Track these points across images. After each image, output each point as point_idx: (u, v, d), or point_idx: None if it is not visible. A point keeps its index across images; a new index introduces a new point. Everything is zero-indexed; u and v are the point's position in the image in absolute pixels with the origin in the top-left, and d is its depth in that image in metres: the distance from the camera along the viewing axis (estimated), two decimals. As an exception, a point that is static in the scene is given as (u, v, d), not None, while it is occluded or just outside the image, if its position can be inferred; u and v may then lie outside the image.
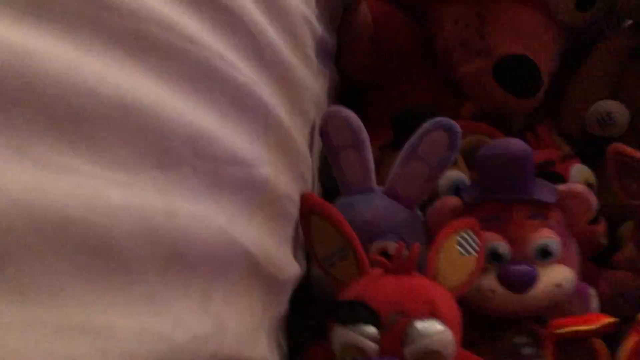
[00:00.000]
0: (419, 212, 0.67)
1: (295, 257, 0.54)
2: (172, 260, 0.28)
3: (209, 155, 0.33)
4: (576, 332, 0.42)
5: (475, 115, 0.85)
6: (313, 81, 0.60)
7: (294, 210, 0.52)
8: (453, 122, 0.63)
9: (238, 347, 0.34)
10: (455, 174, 0.72)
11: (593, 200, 0.65)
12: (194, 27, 0.33)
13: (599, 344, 0.43)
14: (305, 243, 0.58)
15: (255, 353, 0.37)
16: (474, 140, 0.76)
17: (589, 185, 0.78)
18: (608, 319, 0.43)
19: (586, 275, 0.73)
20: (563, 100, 0.87)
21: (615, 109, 0.82)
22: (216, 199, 0.33)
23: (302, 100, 0.54)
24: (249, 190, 0.38)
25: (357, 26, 0.87)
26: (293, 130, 0.50)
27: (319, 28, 0.63)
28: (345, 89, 0.92)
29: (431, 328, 0.50)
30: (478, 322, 0.63)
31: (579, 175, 0.78)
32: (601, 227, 0.74)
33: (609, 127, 0.82)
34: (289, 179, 0.49)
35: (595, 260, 0.79)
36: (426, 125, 0.63)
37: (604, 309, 0.70)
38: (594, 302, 0.68)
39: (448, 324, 0.52)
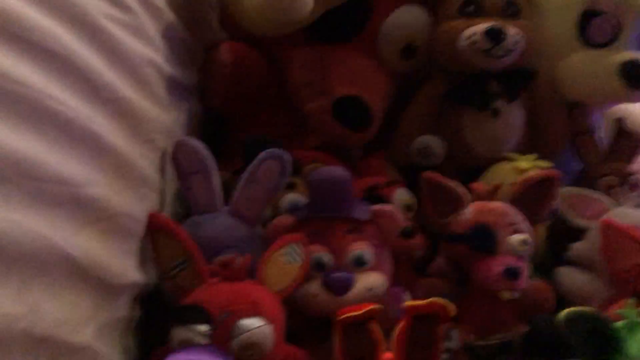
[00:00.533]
0: (260, 229, 0.78)
1: (139, 267, 0.63)
2: None
3: (32, 176, 0.41)
4: (351, 317, 0.54)
5: (318, 146, 0.98)
6: (161, 114, 0.69)
7: (135, 226, 0.61)
8: (284, 152, 0.75)
9: (55, 331, 0.42)
10: (293, 197, 0.84)
11: (399, 218, 0.78)
12: (26, 73, 0.42)
13: (374, 326, 0.55)
14: (153, 256, 0.67)
15: (76, 339, 0.45)
16: (313, 168, 0.88)
17: (408, 206, 0.93)
18: (372, 306, 0.55)
19: (407, 282, 0.88)
20: (393, 135, 1.02)
21: (433, 142, 0.98)
22: (39, 211, 0.41)
23: (145, 130, 0.63)
24: (75, 206, 0.46)
25: (218, 65, 0.97)
26: (133, 157, 0.59)
27: (168, 69, 0.73)
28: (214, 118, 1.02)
29: (252, 324, 0.61)
30: (311, 323, 0.75)
31: (401, 198, 0.92)
32: (417, 241, 0.87)
33: (428, 158, 0.98)
34: (128, 199, 0.58)
35: (417, 269, 0.94)
36: (261, 154, 0.74)
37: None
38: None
39: (269, 321, 0.62)
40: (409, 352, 0.55)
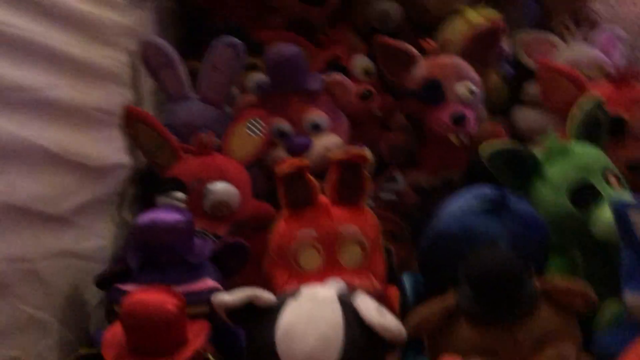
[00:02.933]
0: (227, 109, 0.89)
1: (122, 152, 0.76)
2: None
3: None
4: (284, 169, 0.65)
5: (285, 25, 1.05)
6: (120, 18, 0.78)
7: (109, 118, 0.72)
8: (235, 39, 0.83)
9: (32, 204, 0.55)
10: (256, 76, 0.94)
11: (349, 84, 0.87)
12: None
13: (309, 176, 0.66)
14: (132, 143, 0.79)
15: (53, 211, 0.59)
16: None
17: (367, 71, 1.00)
18: (299, 161, 0.65)
19: (375, 138, 0.98)
20: (354, 2, 1.07)
21: (389, 7, 1.03)
22: (4, 114, 0.53)
23: (104, 35, 0.73)
24: (38, 107, 0.58)
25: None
26: (94, 60, 0.70)
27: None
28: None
29: (218, 186, 0.74)
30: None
31: (359, 64, 1.00)
32: (375, 102, 0.96)
33: (386, 22, 1.04)
34: (95, 97, 0.69)
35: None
36: (214, 42, 0.83)
37: (384, 159, 0.95)
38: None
39: (234, 183, 0.75)
40: (339, 193, 0.67)
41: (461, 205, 0.66)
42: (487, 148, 0.71)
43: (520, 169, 0.72)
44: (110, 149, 0.73)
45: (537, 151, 0.73)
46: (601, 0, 1.15)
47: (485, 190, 0.66)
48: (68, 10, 0.66)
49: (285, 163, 0.64)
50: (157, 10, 0.96)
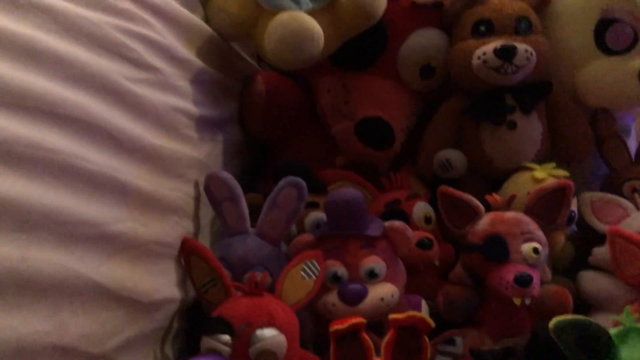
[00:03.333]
0: (284, 247, 0.87)
1: (174, 285, 0.74)
2: (24, 287, 0.47)
3: (61, 221, 0.53)
4: (339, 329, 0.61)
5: (347, 164, 1.06)
6: (190, 151, 0.81)
7: (166, 250, 0.72)
8: (300, 180, 0.83)
9: (78, 343, 0.53)
10: (316, 215, 0.93)
11: (409, 232, 0.85)
12: (54, 141, 0.54)
13: (365, 337, 0.62)
14: (186, 275, 0.78)
15: (96, 350, 0.56)
16: (336, 187, 0.97)
17: (428, 218, 0.99)
18: (358, 319, 0.62)
19: (434, 288, 0.94)
20: (417, 149, 1.08)
21: (453, 156, 1.03)
22: (67, 249, 0.52)
23: (173, 168, 0.75)
24: (100, 241, 0.57)
25: (252, 96, 1.07)
26: (161, 193, 0.71)
27: (196, 110, 0.84)
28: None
29: (267, 333, 0.70)
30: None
31: (420, 210, 0.98)
32: (434, 251, 0.93)
33: (449, 171, 1.03)
34: (156, 229, 0.69)
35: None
36: (280, 182, 0.84)
37: (441, 314, 0.91)
38: (424, 309, 0.89)
39: (283, 330, 0.72)
40: (396, 358, 0.62)
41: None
42: (557, 321, 0.67)
43: (591, 348, 0.66)
44: (163, 283, 0.72)
45: (612, 330, 0.68)
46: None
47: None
48: (142, 144, 0.68)
49: (342, 321, 0.61)
50: (226, 142, 0.98)
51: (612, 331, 0.68)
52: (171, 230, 0.74)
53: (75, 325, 0.53)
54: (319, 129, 1.11)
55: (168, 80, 0.76)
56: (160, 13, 0.77)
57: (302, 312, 0.82)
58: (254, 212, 0.87)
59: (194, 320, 0.81)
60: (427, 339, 0.63)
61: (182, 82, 0.81)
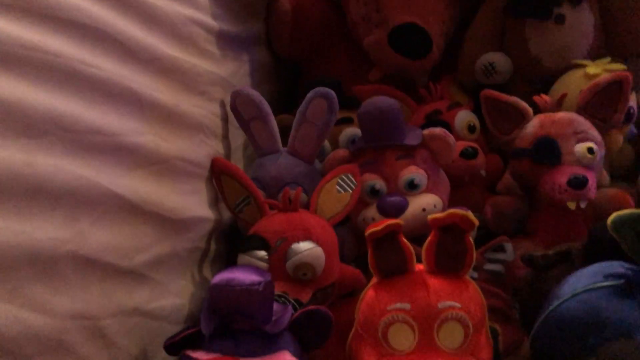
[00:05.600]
0: (318, 165, 0.84)
1: (205, 205, 0.72)
2: (34, 193, 0.45)
3: (70, 128, 0.50)
4: (374, 232, 0.57)
5: (382, 79, 1.00)
6: (212, 68, 0.77)
7: (194, 169, 0.69)
8: (329, 90, 0.78)
9: (101, 255, 0.51)
10: (350, 130, 0.89)
11: (451, 139, 0.79)
12: (56, 45, 0.51)
13: (403, 240, 0.58)
14: (220, 196, 0.75)
15: (125, 264, 0.55)
16: (370, 101, 0.91)
17: (471, 127, 0.92)
18: (393, 221, 0.58)
19: (480, 201, 0.89)
20: (458, 56, 1.01)
21: (497, 59, 0.96)
22: (78, 157, 0.50)
23: (194, 84, 0.71)
24: (117, 153, 0.55)
25: (278, 14, 1.02)
26: (182, 108, 0.68)
27: (216, 25, 0.79)
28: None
29: (303, 246, 0.67)
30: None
31: (463, 119, 0.92)
32: (478, 161, 0.88)
33: (493, 76, 0.96)
34: (180, 146, 0.66)
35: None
36: (309, 94, 0.79)
37: (490, 227, 0.86)
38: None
39: (320, 243, 0.69)
40: (438, 262, 0.58)
41: (587, 285, 0.55)
42: (615, 216, 0.61)
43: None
44: (194, 202, 0.69)
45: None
46: None
47: (617, 268, 0.55)
48: (156, 55, 0.64)
49: (378, 224, 0.57)
50: (253, 63, 0.94)
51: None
52: (198, 149, 0.71)
53: (96, 235, 0.51)
54: (351, 45, 1.05)
55: (183, -10, 0.72)
56: None
57: (342, 229, 0.80)
58: (286, 134, 0.83)
59: (232, 242, 0.79)
60: (471, 240, 0.58)
61: (199, -6, 0.77)
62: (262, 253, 0.68)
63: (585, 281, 0.56)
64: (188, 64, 0.70)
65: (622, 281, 0.54)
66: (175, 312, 0.64)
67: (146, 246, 0.58)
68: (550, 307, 0.56)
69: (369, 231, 0.57)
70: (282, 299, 0.64)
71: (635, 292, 0.53)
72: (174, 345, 0.56)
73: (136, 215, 0.57)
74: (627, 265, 0.56)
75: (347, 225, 0.82)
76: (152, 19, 0.64)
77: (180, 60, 0.68)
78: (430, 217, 0.57)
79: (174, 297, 0.65)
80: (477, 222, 0.56)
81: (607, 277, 0.55)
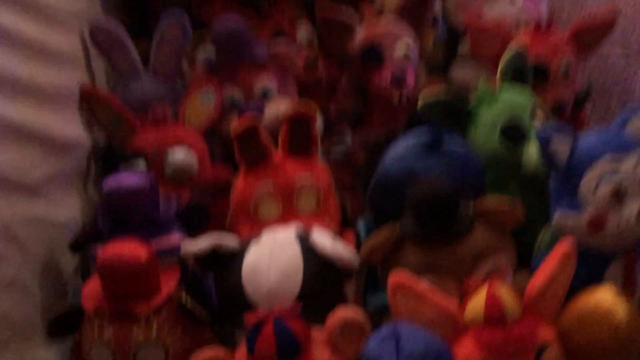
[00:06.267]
0: (180, 83, 0.93)
1: (81, 128, 0.79)
2: None
3: None
4: (238, 127, 0.70)
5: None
6: (69, 2, 0.82)
7: (63, 96, 0.76)
8: (182, 13, 0.87)
9: (9, 172, 0.60)
10: (207, 49, 0.97)
11: (293, 53, 0.92)
12: None
13: (263, 134, 0.71)
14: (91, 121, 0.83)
15: (26, 180, 0.64)
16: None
17: (311, 41, 1.05)
18: (253, 117, 0.71)
19: (325, 103, 1.03)
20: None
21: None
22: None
23: (52, 16, 0.76)
24: (2, 85, 0.62)
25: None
26: (44, 39, 0.73)
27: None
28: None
29: (177, 152, 0.78)
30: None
31: (303, 34, 1.05)
32: (319, 70, 1.02)
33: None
34: (49, 76, 0.72)
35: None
36: (162, 19, 0.87)
37: (333, 122, 1.01)
38: (319, 123, 0.98)
39: (192, 148, 0.80)
40: (291, 146, 0.72)
41: (402, 148, 0.72)
42: (422, 99, 0.78)
43: (454, 115, 0.78)
44: (71, 127, 0.76)
45: (470, 99, 0.80)
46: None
47: (422, 133, 0.72)
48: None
49: (239, 122, 0.69)
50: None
51: (471, 100, 0.80)
52: (67, 77, 0.77)
53: (3, 158, 0.59)
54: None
55: None
56: None
57: (210, 140, 0.90)
58: (145, 57, 0.90)
59: (109, 161, 0.87)
60: (315, 127, 0.72)
61: None
62: (142, 163, 0.78)
63: (401, 147, 0.72)
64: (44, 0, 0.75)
65: (426, 139, 0.70)
66: (71, 224, 0.73)
67: (38, 165, 0.66)
68: (378, 169, 0.72)
69: (232, 128, 0.69)
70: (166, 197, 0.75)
71: (437, 148, 0.70)
72: (77, 244, 0.66)
73: (25, 138, 0.64)
74: (431, 130, 0.73)
75: (215, 137, 0.92)
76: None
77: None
78: (280, 110, 0.71)
79: (67, 210, 0.73)
80: (316, 110, 0.71)
81: (415, 140, 0.71)
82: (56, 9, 0.77)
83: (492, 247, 0.61)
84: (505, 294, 0.50)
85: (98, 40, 0.86)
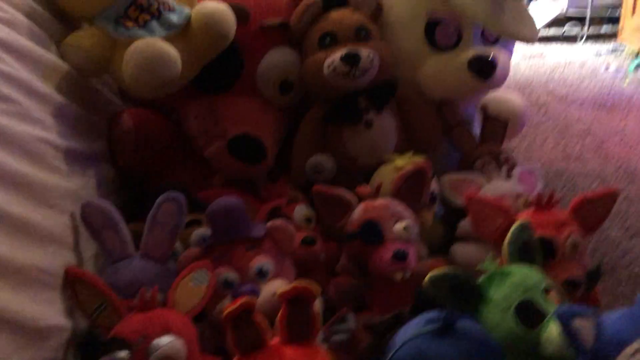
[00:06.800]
0: (172, 266, 0.88)
1: (63, 314, 0.73)
2: None
3: None
4: (230, 311, 0.64)
5: (225, 183, 1.09)
6: (61, 182, 0.81)
7: (50, 279, 0.71)
8: (178, 194, 0.86)
9: None
10: (199, 231, 0.95)
11: (290, 228, 0.90)
12: None
13: (258, 317, 0.65)
14: (73, 304, 0.77)
15: None
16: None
17: (308, 219, 1.04)
18: (246, 300, 0.65)
19: (323, 283, 0.99)
20: (290, 159, 1.14)
21: (322, 159, 1.11)
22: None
23: (45, 197, 0.75)
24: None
25: (120, 133, 1.08)
26: (35, 220, 0.71)
27: (63, 143, 0.84)
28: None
29: (163, 340, 0.71)
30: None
31: (300, 212, 1.04)
32: (318, 247, 0.99)
33: (321, 174, 1.10)
34: (35, 256, 0.68)
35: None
36: (159, 198, 0.85)
37: (334, 304, 0.95)
38: (318, 303, 0.93)
39: (180, 336, 0.73)
40: (290, 332, 0.66)
41: (412, 331, 0.66)
42: (431, 275, 0.74)
43: (463, 294, 0.74)
44: (51, 311, 0.70)
45: (480, 278, 0.77)
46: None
47: (433, 314, 0.67)
48: (6, 170, 0.68)
49: (232, 305, 0.64)
50: (99, 177, 0.98)
51: (481, 278, 0.77)
52: (51, 259, 0.73)
53: None
54: (193, 156, 1.14)
55: (29, 112, 0.77)
56: (9, 48, 0.78)
57: (201, 324, 0.84)
58: (138, 240, 0.87)
59: (89, 350, 0.79)
60: (316, 309, 0.67)
61: (44, 115, 0.82)
62: (123, 353, 0.70)
63: (410, 331, 0.67)
64: (38, 179, 0.74)
65: (439, 324, 0.65)
66: None
67: (7, 355, 0.58)
68: (387, 356, 0.66)
69: (225, 311, 0.64)
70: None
71: (450, 331, 0.64)
72: None
73: (-1, 324, 0.58)
74: (442, 311, 0.68)
75: (205, 320, 0.86)
76: (2, 138, 0.68)
77: (31, 176, 0.72)
78: (278, 291, 0.65)
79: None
80: (318, 290, 0.66)
81: (427, 322, 0.66)
82: (45, 188, 0.76)
83: None
84: None
85: (89, 220, 0.84)
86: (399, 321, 0.86)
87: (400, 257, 0.89)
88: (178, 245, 0.94)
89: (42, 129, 0.79)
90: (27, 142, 0.74)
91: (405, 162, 1.05)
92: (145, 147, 1.10)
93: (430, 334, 0.65)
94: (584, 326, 0.61)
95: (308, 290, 0.65)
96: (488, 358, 0.64)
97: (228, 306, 0.64)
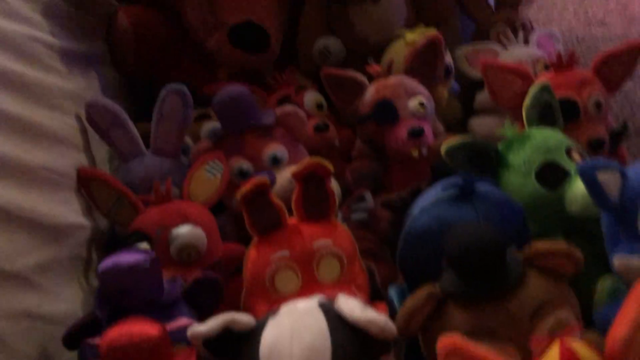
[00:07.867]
0: (184, 160, 0.87)
1: (80, 213, 0.73)
2: None
3: None
4: (246, 190, 0.63)
5: (231, 75, 1.06)
6: (61, 83, 0.78)
7: (56, 177, 0.70)
8: (181, 86, 0.83)
9: None
10: (209, 124, 0.94)
11: (301, 113, 0.87)
12: None
13: (274, 197, 0.64)
14: (90, 203, 0.77)
15: (8, 267, 0.56)
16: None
17: (319, 105, 1.01)
18: (261, 178, 0.64)
19: (338, 170, 0.97)
20: (296, 45, 1.10)
21: (329, 42, 1.06)
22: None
23: (46, 98, 0.73)
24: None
25: (118, 33, 1.04)
26: (39, 121, 0.69)
27: (58, 42, 0.81)
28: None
29: (182, 229, 0.71)
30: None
31: (310, 99, 1.01)
32: (331, 133, 0.97)
33: (329, 58, 1.06)
34: (42, 156, 0.67)
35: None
36: (161, 92, 0.83)
37: (351, 188, 0.94)
38: (334, 186, 0.92)
39: (199, 225, 0.73)
40: (306, 210, 0.65)
41: (431, 199, 0.65)
42: (447, 144, 0.71)
43: (482, 161, 0.71)
44: (66, 210, 0.70)
45: (498, 144, 0.74)
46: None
47: (452, 180, 0.65)
48: (5, 71, 0.65)
49: (247, 185, 0.62)
50: (102, 80, 0.96)
51: (499, 144, 0.74)
52: (61, 160, 0.72)
53: None
54: (196, 50, 1.09)
55: (16, 9, 0.73)
56: None
57: (221, 217, 0.83)
58: (148, 141, 0.85)
59: (111, 247, 0.80)
60: (331, 186, 0.65)
61: (33, 13, 0.78)
62: (144, 244, 0.71)
63: (429, 198, 0.65)
64: (34, 78, 0.71)
65: (457, 189, 0.63)
66: (70, 317, 0.64)
67: (26, 251, 0.59)
68: (406, 226, 0.65)
69: (239, 192, 0.62)
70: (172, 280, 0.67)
71: (469, 196, 0.63)
72: (72, 338, 0.58)
73: (10, 222, 0.57)
74: (462, 176, 0.66)
75: (225, 213, 0.86)
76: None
77: (27, 76, 0.70)
78: (291, 171, 0.64)
79: (65, 303, 0.65)
80: (331, 167, 0.64)
81: (445, 188, 0.64)
82: (46, 89, 0.73)
83: (551, 300, 0.51)
84: (582, 349, 0.41)
85: (95, 120, 0.82)
86: (418, 194, 0.85)
87: (416, 133, 0.87)
88: (189, 140, 0.92)
89: (32, 27, 0.75)
90: (17, 41, 0.70)
91: (417, 36, 1.00)
92: (145, 44, 1.05)
93: (449, 199, 0.63)
94: (608, 179, 0.58)
95: (322, 167, 0.63)
96: (510, 219, 0.63)
97: (243, 187, 0.63)
